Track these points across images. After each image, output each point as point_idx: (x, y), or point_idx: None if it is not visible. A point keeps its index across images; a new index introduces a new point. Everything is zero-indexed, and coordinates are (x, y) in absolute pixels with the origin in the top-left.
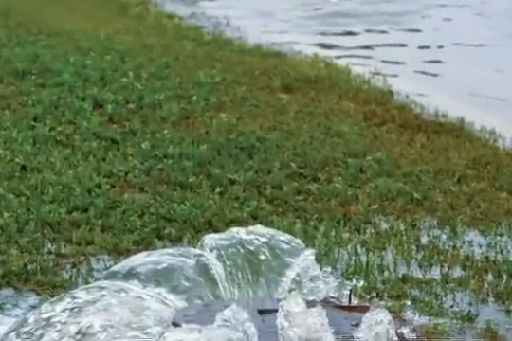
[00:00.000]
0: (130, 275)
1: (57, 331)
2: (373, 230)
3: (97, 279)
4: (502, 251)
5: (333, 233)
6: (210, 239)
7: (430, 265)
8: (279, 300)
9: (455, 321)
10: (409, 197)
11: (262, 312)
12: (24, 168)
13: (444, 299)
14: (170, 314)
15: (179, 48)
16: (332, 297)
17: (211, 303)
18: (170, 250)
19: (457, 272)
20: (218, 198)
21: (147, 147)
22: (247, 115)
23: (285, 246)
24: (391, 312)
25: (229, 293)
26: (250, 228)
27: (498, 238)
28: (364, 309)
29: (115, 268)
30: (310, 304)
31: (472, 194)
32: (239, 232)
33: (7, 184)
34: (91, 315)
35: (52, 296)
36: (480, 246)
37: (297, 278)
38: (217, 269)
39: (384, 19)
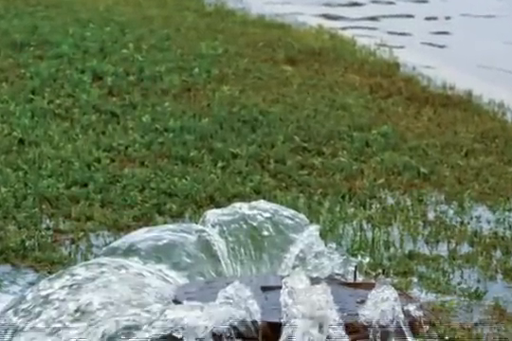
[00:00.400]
0: (130, 251)
1: (55, 308)
2: (378, 205)
3: (96, 256)
4: (510, 227)
5: (338, 208)
6: (212, 214)
7: (437, 241)
8: (282, 277)
9: (463, 298)
10: (415, 171)
11: (265, 289)
12: (21, 141)
13: (451, 276)
14: (171, 291)
15: (180, 20)
16: (337, 274)
17: (213, 280)
18: (171, 226)
19: (465, 248)
20: (220, 172)
21: (147, 120)
22: (250, 87)
23: (289, 222)
24: (397, 289)
25: (232, 269)
26: (253, 203)
27: (506, 213)
28: (370, 286)
29: (114, 244)
30: (314, 281)
31: (480, 168)
32: (241, 207)
33: (4, 158)
34: (90, 293)
35: (50, 273)
36: (488, 222)
37: (301, 255)
38: (219, 245)
39: None
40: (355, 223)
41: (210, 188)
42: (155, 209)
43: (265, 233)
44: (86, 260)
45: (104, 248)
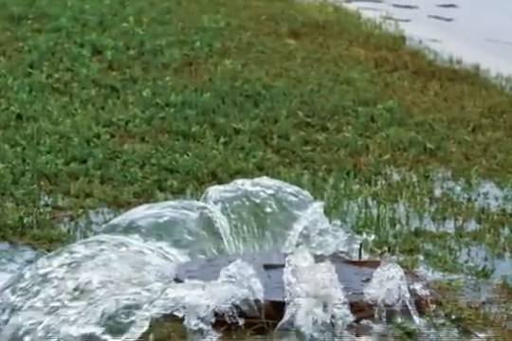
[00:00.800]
0: (130, 228)
1: (54, 287)
2: (384, 182)
3: (96, 233)
4: None
5: (342, 185)
6: (214, 191)
7: (444, 218)
8: (286, 255)
9: (470, 277)
10: (421, 147)
11: (268, 267)
12: (19, 116)
13: (458, 254)
14: (172, 269)
15: None
16: (341, 252)
17: (215, 258)
18: (172, 203)
19: (472, 225)
20: (222, 148)
21: (148, 95)
22: (253, 61)
23: (293, 199)
24: (403, 267)
25: (234, 247)
26: (256, 180)
27: None
28: (375, 264)
29: (114, 221)
30: (318, 259)
31: (488, 144)
32: (244, 184)
33: (2, 133)
34: (90, 271)
35: (49, 251)
36: (496, 199)
37: (305, 232)
38: (221, 222)
39: None
40: (360, 199)
41: (211, 165)
42: (156, 186)
43: (269, 210)
44: (86, 237)
45: (104, 225)
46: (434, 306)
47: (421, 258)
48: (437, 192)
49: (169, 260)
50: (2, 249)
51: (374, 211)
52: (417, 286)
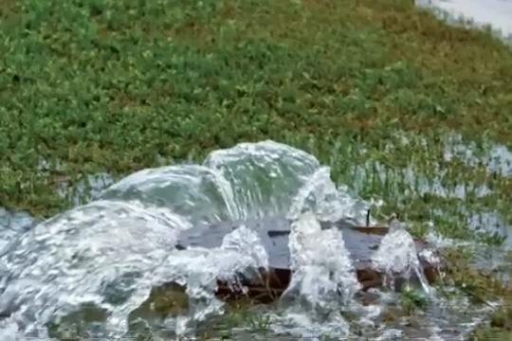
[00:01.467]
0: (131, 194)
1: (52, 254)
2: (392, 146)
3: (95, 199)
4: None
5: (349, 149)
6: (217, 155)
7: (455, 183)
8: (291, 221)
9: (481, 244)
10: (431, 110)
11: (272, 233)
12: (16, 78)
13: (469, 220)
14: (174, 236)
15: None
16: (348, 218)
17: (218, 224)
18: (173, 167)
19: (483, 190)
20: (226, 111)
21: (149, 56)
22: (257, 21)
23: (298, 163)
24: (412, 234)
25: (238, 213)
26: (260, 144)
27: None
28: (383, 230)
29: (114, 187)
30: (325, 225)
31: (499, 107)
32: (248, 148)
33: None
34: (89, 238)
35: (47, 217)
36: (508, 163)
37: (310, 198)
38: (224, 187)
39: None
40: (367, 164)
41: (214, 128)
42: (157, 150)
43: (273, 175)
44: (84, 203)
45: (103, 191)
46: (444, 274)
47: (431, 224)
48: (447, 157)
49: (170, 227)
50: None
51: (383, 176)
52: (427, 253)
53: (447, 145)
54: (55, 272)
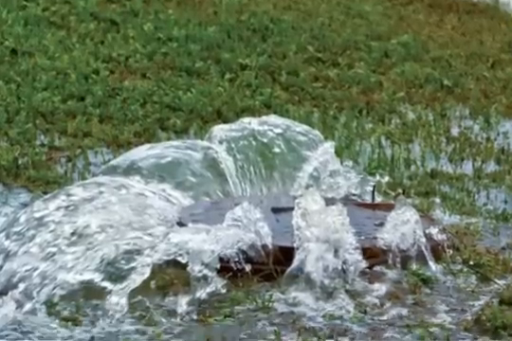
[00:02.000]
0: (131, 169)
1: (50, 231)
2: (398, 120)
3: (94, 175)
4: None
5: (354, 124)
6: (219, 130)
7: (462, 159)
8: (295, 198)
9: (489, 220)
10: (438, 84)
11: (276, 210)
12: (14, 52)
13: (476, 196)
14: (175, 212)
15: None
16: (353, 194)
17: (220, 201)
18: (175, 142)
19: (491, 166)
20: (228, 85)
21: (150, 29)
22: None
23: (302, 138)
24: (418, 210)
25: (240, 189)
26: (263, 118)
27: None
28: (389, 207)
29: (114, 162)
30: (329, 202)
31: (507, 80)
32: (251, 122)
33: None
34: (88, 214)
35: (45, 194)
36: None
37: (315, 174)
38: (227, 163)
39: None
40: (373, 139)
41: (216, 102)
42: (158, 125)
43: (277, 150)
44: (84, 179)
45: (103, 166)
46: (451, 251)
47: (437, 200)
48: (454, 131)
49: (171, 203)
50: None
51: (388, 152)
52: (433, 230)
53: (454, 120)
54: (54, 249)
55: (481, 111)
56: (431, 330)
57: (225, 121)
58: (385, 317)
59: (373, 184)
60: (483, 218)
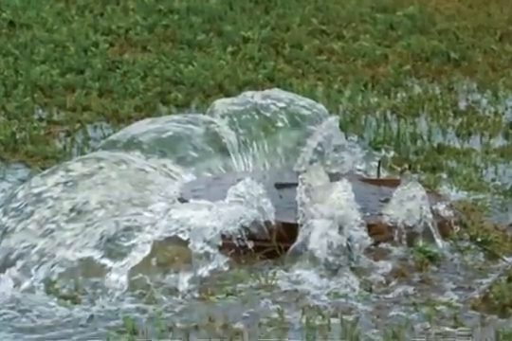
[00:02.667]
0: (131, 144)
1: (49, 207)
2: (404, 94)
3: (94, 150)
4: None
5: (359, 97)
6: (221, 104)
7: (469, 133)
8: (298, 173)
9: (497, 196)
10: (445, 57)
11: (279, 186)
12: (12, 24)
13: (484, 172)
14: (176, 188)
15: None
16: (358, 170)
17: (223, 176)
18: (176, 117)
19: (499, 141)
20: (230, 58)
21: (150, 1)
22: None
23: (306, 112)
24: (424, 186)
25: (243, 164)
26: (266, 92)
27: None
28: (395, 183)
29: (114, 137)
30: (334, 177)
31: None
32: (254, 96)
33: None
34: (87, 190)
35: (43, 169)
36: None
37: (319, 148)
38: (229, 138)
39: None
40: (378, 113)
41: (218, 76)
42: (159, 99)
43: (280, 125)
44: (83, 154)
45: (103, 141)
46: (458, 228)
47: (444, 176)
48: (462, 105)
49: (173, 179)
50: None
51: (394, 126)
52: (440, 207)
53: (461, 93)
54: (52, 226)
55: (488, 84)
56: (438, 308)
57: (227, 95)
58: (391, 296)
59: (378, 159)
60: (490, 194)
